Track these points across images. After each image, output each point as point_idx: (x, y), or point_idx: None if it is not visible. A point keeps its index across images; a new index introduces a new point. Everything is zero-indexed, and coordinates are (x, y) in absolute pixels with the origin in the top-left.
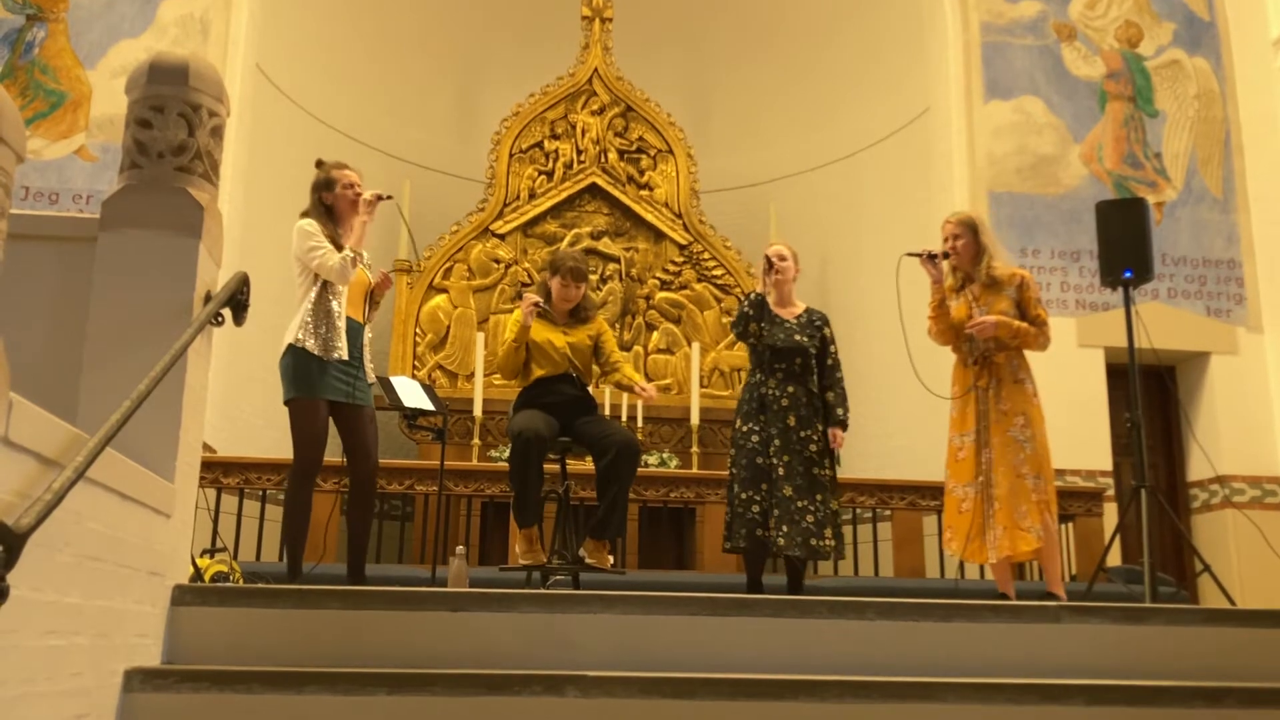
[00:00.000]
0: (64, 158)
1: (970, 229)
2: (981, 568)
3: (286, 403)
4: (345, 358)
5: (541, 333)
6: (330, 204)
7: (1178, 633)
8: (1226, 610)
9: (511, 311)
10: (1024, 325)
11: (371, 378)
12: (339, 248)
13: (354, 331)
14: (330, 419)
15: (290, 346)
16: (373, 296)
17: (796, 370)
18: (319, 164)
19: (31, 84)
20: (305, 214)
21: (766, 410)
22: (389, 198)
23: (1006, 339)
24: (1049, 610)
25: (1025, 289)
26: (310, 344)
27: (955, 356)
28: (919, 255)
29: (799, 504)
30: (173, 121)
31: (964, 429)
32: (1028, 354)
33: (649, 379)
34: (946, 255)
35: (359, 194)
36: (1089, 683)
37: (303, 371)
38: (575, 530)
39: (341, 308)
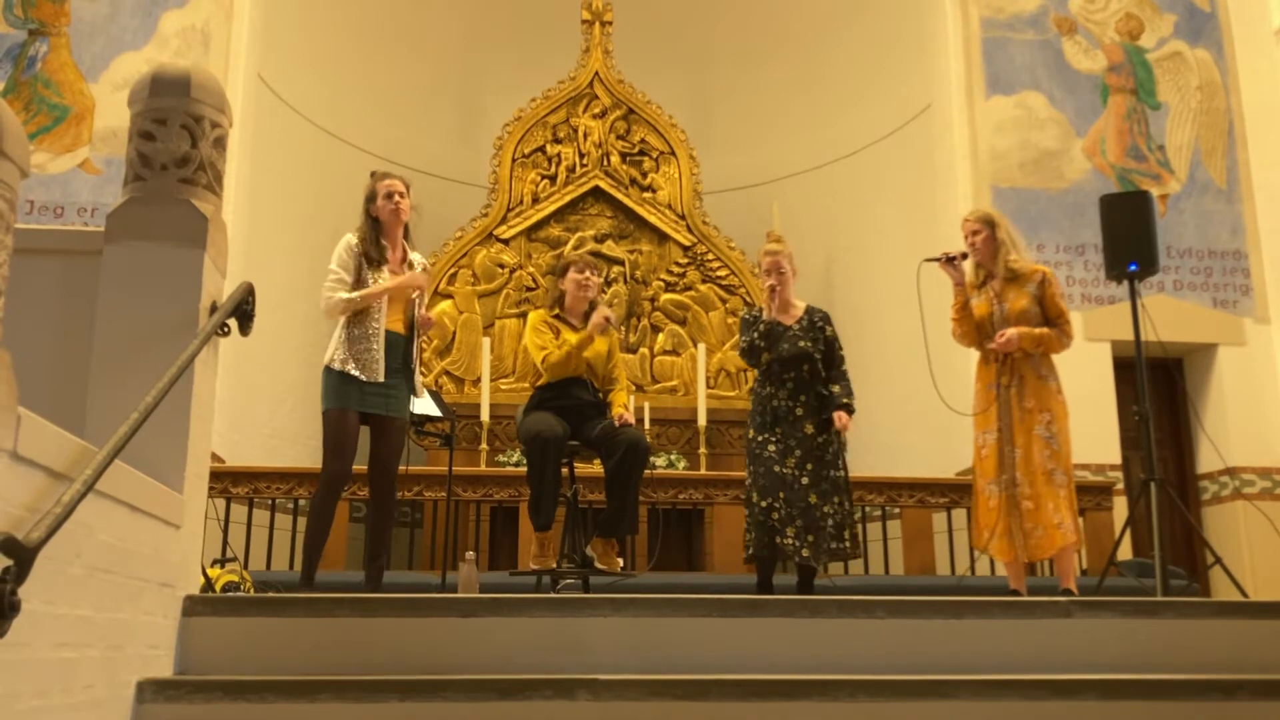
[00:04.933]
0: (68, 171)
1: (989, 224)
2: (992, 563)
3: (323, 414)
4: (382, 379)
5: (564, 334)
6: (375, 215)
7: (1190, 626)
8: (1239, 602)
9: (523, 315)
10: (1045, 331)
11: (422, 393)
12: (383, 260)
13: (395, 344)
14: (361, 428)
15: (327, 369)
16: (415, 324)
17: (805, 377)
18: (372, 175)
19: (35, 98)
20: (359, 228)
21: (781, 423)
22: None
23: (1030, 349)
24: (1060, 605)
25: (1047, 285)
26: (350, 367)
27: (977, 355)
28: (938, 260)
29: (823, 509)
30: (175, 133)
31: (986, 426)
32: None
33: (655, 381)
34: (965, 255)
35: (398, 203)
36: (1101, 678)
37: (340, 389)
38: (584, 533)
39: (380, 325)
